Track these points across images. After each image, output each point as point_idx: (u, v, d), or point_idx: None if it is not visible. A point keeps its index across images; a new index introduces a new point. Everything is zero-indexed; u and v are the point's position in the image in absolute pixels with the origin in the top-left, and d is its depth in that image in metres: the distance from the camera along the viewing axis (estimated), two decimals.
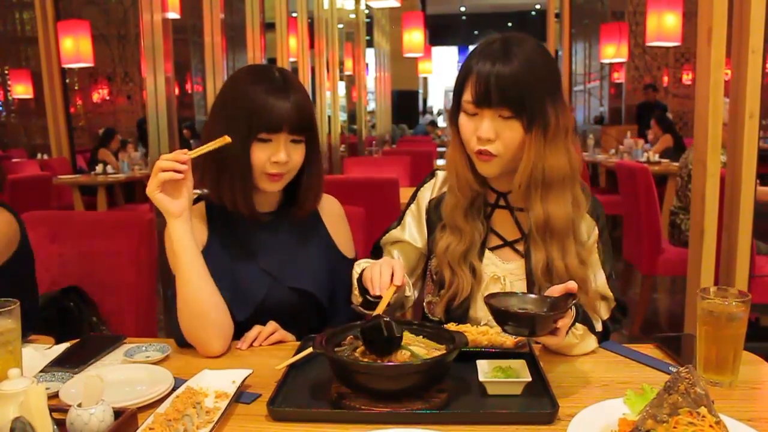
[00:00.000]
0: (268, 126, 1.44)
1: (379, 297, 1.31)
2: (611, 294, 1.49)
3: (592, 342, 1.38)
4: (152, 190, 1.36)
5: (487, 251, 1.50)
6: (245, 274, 1.54)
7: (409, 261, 1.58)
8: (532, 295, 1.27)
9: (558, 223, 1.41)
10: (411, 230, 1.58)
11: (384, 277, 1.32)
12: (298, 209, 1.60)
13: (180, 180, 1.37)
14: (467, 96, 1.38)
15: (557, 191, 1.41)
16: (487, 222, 1.51)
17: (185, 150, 1.38)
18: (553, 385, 1.16)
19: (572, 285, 1.20)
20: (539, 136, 1.37)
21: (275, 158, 1.46)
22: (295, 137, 1.49)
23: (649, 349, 1.40)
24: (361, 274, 1.41)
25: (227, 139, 1.38)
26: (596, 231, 1.50)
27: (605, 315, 1.48)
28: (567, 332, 1.24)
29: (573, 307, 1.22)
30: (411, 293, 1.52)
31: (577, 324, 1.29)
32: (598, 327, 1.42)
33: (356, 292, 1.44)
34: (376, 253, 1.64)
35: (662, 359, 1.34)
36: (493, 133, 1.36)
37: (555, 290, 1.23)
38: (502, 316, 1.16)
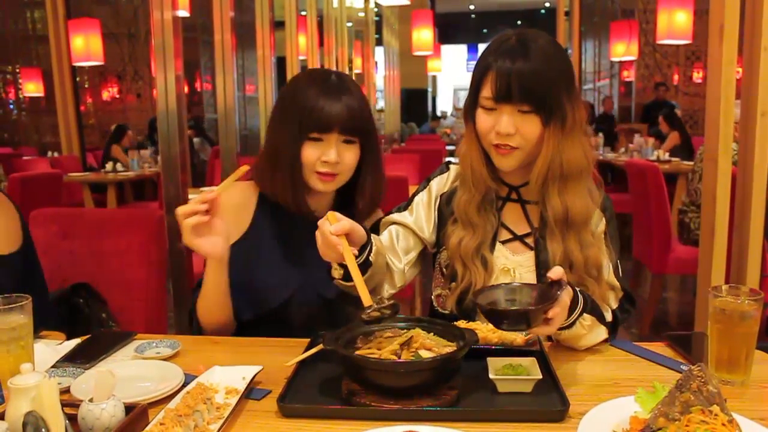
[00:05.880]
0: (318, 125, 1.48)
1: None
2: (618, 283, 1.50)
3: (601, 332, 1.38)
4: (188, 239, 1.37)
5: (497, 243, 1.51)
6: (277, 270, 1.56)
7: (407, 242, 1.57)
8: (516, 283, 1.28)
9: (577, 214, 1.42)
10: (419, 219, 1.57)
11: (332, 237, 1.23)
12: (356, 211, 1.60)
13: (209, 219, 1.37)
14: (486, 92, 1.39)
15: (574, 183, 1.43)
16: (498, 215, 1.52)
17: (211, 188, 1.37)
18: (563, 383, 1.16)
19: (559, 271, 1.18)
20: (557, 129, 1.38)
21: (325, 157, 1.49)
22: (347, 138, 1.51)
23: (660, 348, 1.40)
24: None
25: (244, 168, 1.39)
26: (603, 222, 1.51)
27: (614, 304, 1.48)
28: (574, 323, 1.25)
29: (580, 297, 1.24)
30: (399, 267, 1.52)
31: (585, 315, 1.29)
32: (608, 317, 1.41)
33: (335, 265, 1.35)
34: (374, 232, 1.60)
35: (673, 357, 1.34)
36: (512, 128, 1.38)
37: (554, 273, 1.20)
38: (489, 315, 1.16)
